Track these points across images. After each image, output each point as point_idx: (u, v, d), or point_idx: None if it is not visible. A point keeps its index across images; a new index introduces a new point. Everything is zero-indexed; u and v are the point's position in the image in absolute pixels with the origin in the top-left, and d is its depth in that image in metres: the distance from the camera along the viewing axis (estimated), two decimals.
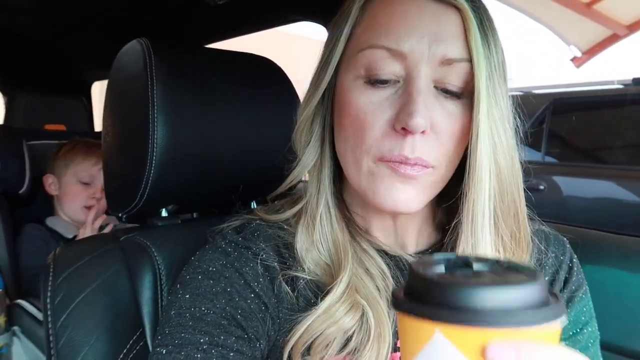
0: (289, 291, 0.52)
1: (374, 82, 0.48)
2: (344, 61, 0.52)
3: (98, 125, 2.16)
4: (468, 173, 0.48)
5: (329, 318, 0.48)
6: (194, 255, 0.55)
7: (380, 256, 0.55)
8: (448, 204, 0.55)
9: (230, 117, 0.73)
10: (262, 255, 0.53)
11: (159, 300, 0.64)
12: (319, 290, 0.52)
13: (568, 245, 0.60)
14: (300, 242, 0.54)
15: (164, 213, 0.77)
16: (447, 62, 0.47)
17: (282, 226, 0.57)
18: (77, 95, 2.10)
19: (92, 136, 1.75)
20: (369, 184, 0.50)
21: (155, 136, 0.65)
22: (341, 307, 0.49)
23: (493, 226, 0.50)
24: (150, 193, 0.68)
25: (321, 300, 0.49)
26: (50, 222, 1.51)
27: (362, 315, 0.49)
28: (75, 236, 1.47)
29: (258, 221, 0.58)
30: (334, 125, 0.54)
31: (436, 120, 0.47)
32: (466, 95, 0.48)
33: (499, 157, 0.48)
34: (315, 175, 0.56)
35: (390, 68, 0.48)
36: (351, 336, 0.49)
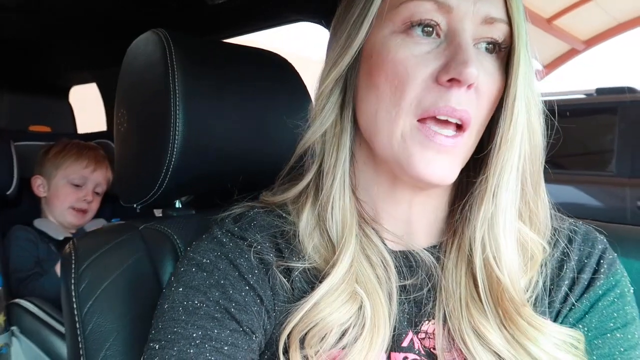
0: (285, 282, 0.50)
1: (415, 34, 0.47)
2: (378, 16, 0.49)
3: (80, 127, 2.12)
4: (500, 135, 0.47)
5: (326, 307, 0.47)
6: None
7: (387, 252, 0.53)
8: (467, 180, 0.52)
9: (245, 109, 0.74)
10: (257, 247, 0.51)
11: None
12: (316, 279, 0.50)
13: (600, 246, 0.54)
14: (305, 221, 0.52)
15: (178, 204, 0.77)
16: (490, 20, 0.47)
17: (280, 213, 0.55)
18: (60, 96, 2.06)
19: (77, 138, 1.72)
20: (402, 151, 0.47)
21: (177, 125, 0.65)
22: (339, 297, 0.47)
23: (520, 190, 0.48)
24: (168, 183, 0.68)
25: (318, 286, 0.48)
26: (39, 223, 1.47)
27: (360, 307, 0.48)
28: (66, 238, 1.44)
29: (256, 209, 0.56)
30: (359, 89, 0.51)
31: (479, 78, 0.46)
32: (502, 55, 0.49)
33: (533, 118, 0.48)
34: (334, 140, 0.53)
35: (435, 20, 0.46)
36: (347, 329, 0.47)
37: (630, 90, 3.08)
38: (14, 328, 1.10)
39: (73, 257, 0.61)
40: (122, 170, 0.74)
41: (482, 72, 0.47)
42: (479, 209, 0.49)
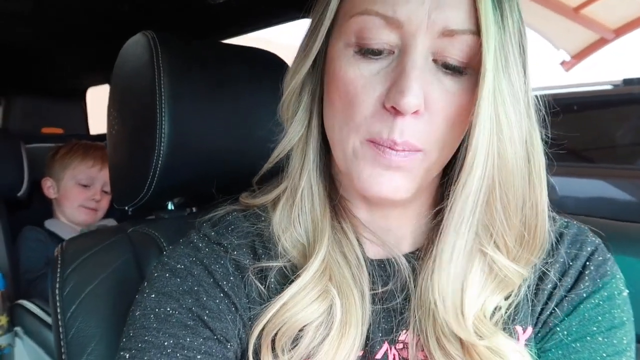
0: (261, 288, 0.49)
1: (365, 52, 0.43)
2: (335, 26, 0.47)
3: (93, 128, 2.15)
4: (462, 157, 0.43)
5: (294, 306, 0.45)
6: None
7: (365, 260, 0.51)
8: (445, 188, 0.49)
9: (236, 109, 0.73)
10: (233, 252, 0.50)
11: None
12: (292, 277, 0.48)
13: (589, 247, 0.51)
14: (278, 221, 0.51)
15: (170, 206, 0.77)
16: (449, 33, 0.41)
17: (259, 215, 0.54)
18: (72, 99, 2.09)
19: (89, 139, 1.74)
20: (353, 167, 0.46)
21: (163, 127, 0.65)
22: (310, 292, 0.46)
23: (482, 225, 0.45)
24: (157, 185, 0.68)
25: (289, 286, 0.47)
26: (50, 224, 1.49)
27: (331, 306, 0.46)
28: None
29: (235, 213, 0.55)
30: (324, 97, 0.49)
31: (432, 99, 0.42)
32: (470, 71, 0.43)
33: (505, 143, 0.42)
34: (300, 148, 0.52)
35: (384, 37, 0.42)
36: (318, 329, 0.46)
37: None
38: (17, 329, 1.12)
39: (59, 261, 0.61)
40: (114, 173, 0.75)
41: (438, 92, 0.43)
42: (440, 239, 0.46)
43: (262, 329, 0.46)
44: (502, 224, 0.45)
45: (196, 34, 1.50)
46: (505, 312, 0.48)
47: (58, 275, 0.59)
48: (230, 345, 0.46)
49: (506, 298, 0.48)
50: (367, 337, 0.48)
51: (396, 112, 0.42)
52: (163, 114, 0.65)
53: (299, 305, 0.45)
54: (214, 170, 0.73)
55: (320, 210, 0.51)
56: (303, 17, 1.22)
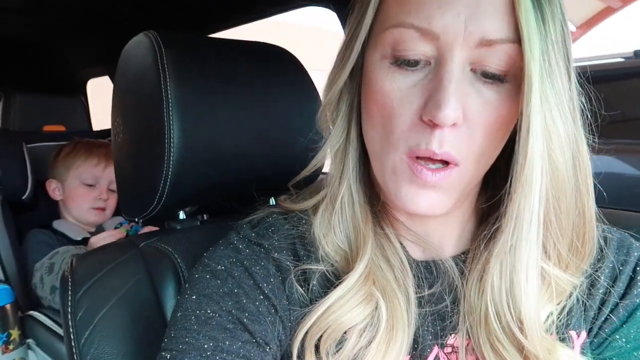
0: (302, 291, 0.49)
1: (401, 63, 0.43)
2: (371, 37, 0.47)
3: (95, 125, 2.11)
4: (515, 171, 0.42)
5: (339, 309, 0.45)
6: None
7: (410, 262, 0.51)
8: (492, 201, 0.49)
9: (247, 110, 0.69)
10: (274, 254, 0.50)
11: None
12: (333, 284, 0.48)
13: (636, 253, 0.51)
14: (319, 226, 0.51)
15: (181, 215, 0.73)
16: (487, 43, 0.40)
17: (301, 218, 0.54)
18: (72, 94, 2.04)
19: (92, 136, 1.70)
20: (390, 183, 0.46)
21: (172, 134, 0.61)
22: (354, 296, 0.46)
23: (542, 236, 0.44)
24: (168, 196, 0.64)
25: (333, 290, 0.47)
26: (57, 224, 1.46)
27: (376, 308, 0.46)
28: (84, 238, 1.43)
29: (275, 215, 0.55)
30: (362, 107, 0.49)
31: (470, 110, 0.42)
32: (510, 79, 0.42)
33: (556, 152, 0.42)
34: (339, 158, 0.52)
35: (420, 49, 0.42)
36: (362, 331, 0.46)
37: None
38: (29, 341, 1.10)
39: (70, 282, 0.58)
40: (122, 183, 0.71)
41: (477, 103, 0.42)
42: (496, 260, 0.46)
43: (306, 332, 0.46)
44: (556, 234, 0.45)
45: (200, 25, 1.44)
46: (558, 318, 0.48)
47: (70, 298, 0.56)
48: (269, 348, 0.46)
49: (558, 303, 0.48)
50: (415, 341, 0.48)
51: (434, 124, 0.41)
52: (171, 120, 0.61)
53: (344, 308, 0.46)
54: (226, 177, 0.69)
55: (361, 216, 0.51)
56: (309, 4, 1.17)
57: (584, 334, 0.49)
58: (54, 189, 1.48)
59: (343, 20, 1.08)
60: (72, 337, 0.55)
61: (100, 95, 2.16)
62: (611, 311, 0.49)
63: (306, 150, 0.76)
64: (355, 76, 0.50)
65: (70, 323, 0.55)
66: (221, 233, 0.69)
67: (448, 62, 0.41)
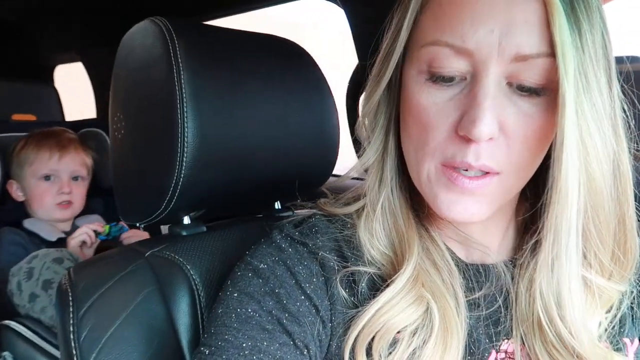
0: (346, 292, 0.49)
1: (437, 79, 0.44)
2: (408, 52, 0.48)
3: (68, 114, 1.99)
4: (551, 184, 0.42)
5: (390, 310, 0.46)
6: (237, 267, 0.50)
7: (458, 264, 0.51)
8: (533, 210, 0.50)
9: (262, 107, 0.64)
10: (318, 253, 0.50)
11: (200, 328, 0.55)
12: (380, 286, 0.49)
13: None
14: (363, 232, 0.51)
15: (186, 220, 0.67)
16: (522, 58, 0.40)
17: (345, 222, 0.53)
18: (38, 80, 1.92)
19: (65, 126, 1.59)
20: (428, 191, 0.47)
21: (186, 133, 0.55)
22: (404, 298, 0.46)
23: (582, 248, 0.44)
24: (178, 200, 0.58)
25: (382, 293, 0.47)
26: (29, 223, 1.36)
27: (427, 309, 0.46)
28: (60, 239, 1.34)
29: (318, 216, 0.54)
30: (400, 118, 0.50)
31: (507, 122, 0.42)
32: (548, 92, 0.42)
33: (592, 165, 0.42)
34: (377, 167, 0.53)
35: (455, 66, 0.42)
36: (415, 331, 0.46)
37: None
38: (5, 354, 1.01)
39: (70, 298, 0.51)
40: (121, 184, 0.64)
41: (514, 116, 0.42)
42: (541, 271, 0.46)
43: (357, 335, 0.46)
44: (597, 244, 0.45)
45: (194, 11, 1.36)
46: (610, 326, 0.49)
47: (71, 316, 0.50)
48: (307, 351, 0.46)
49: (608, 311, 0.49)
50: (471, 344, 0.48)
51: (469, 139, 0.42)
52: (185, 116, 0.55)
53: (395, 309, 0.46)
54: (240, 178, 0.64)
55: (403, 222, 0.52)
56: None
57: (637, 340, 0.51)
58: (15, 189, 1.37)
59: (351, 17, 1.03)
60: (75, 359, 0.49)
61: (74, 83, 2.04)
62: None
63: (317, 155, 0.72)
64: (392, 88, 0.51)
65: (73, 344, 0.49)
66: (232, 240, 0.65)
67: (483, 77, 0.41)
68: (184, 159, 0.56)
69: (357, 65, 1.04)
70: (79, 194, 1.42)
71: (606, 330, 0.49)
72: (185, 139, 0.55)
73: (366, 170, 0.55)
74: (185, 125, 0.55)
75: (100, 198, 1.56)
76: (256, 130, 0.63)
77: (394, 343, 0.46)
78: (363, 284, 0.49)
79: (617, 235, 0.47)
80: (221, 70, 0.60)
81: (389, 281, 0.48)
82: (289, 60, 0.70)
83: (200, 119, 0.56)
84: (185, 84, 0.55)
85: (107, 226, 1.29)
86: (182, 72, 0.55)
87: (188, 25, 0.60)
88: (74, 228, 1.40)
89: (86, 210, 1.48)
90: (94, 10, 1.58)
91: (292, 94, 0.68)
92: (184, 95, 0.55)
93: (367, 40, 1.02)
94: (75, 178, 1.41)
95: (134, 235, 1.35)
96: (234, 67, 0.62)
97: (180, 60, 0.56)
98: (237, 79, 0.61)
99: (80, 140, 1.48)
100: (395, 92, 0.51)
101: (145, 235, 1.41)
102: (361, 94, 1.12)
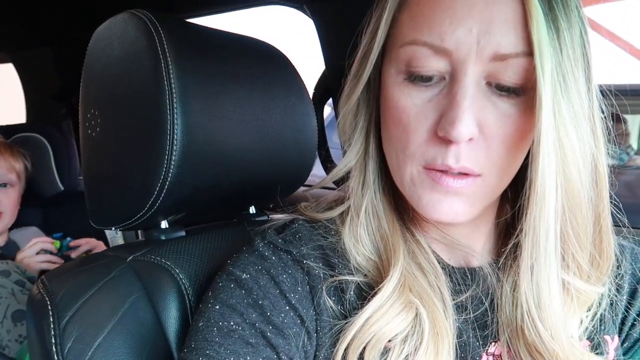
0: (333, 301, 0.47)
1: (415, 79, 0.43)
2: (387, 52, 0.47)
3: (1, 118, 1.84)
4: (528, 186, 0.42)
5: (379, 320, 0.45)
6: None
7: (443, 267, 0.51)
8: (512, 212, 0.50)
9: (245, 108, 0.62)
10: (303, 261, 0.48)
11: None
12: (368, 294, 0.47)
13: None
14: (348, 238, 0.50)
15: (163, 224, 0.64)
16: (501, 57, 0.40)
17: (329, 228, 0.52)
18: None
19: None
20: (412, 194, 0.46)
21: (175, 132, 0.53)
22: (393, 305, 0.45)
23: (560, 250, 0.44)
24: (162, 202, 0.55)
25: (369, 301, 0.46)
26: None
27: (416, 315, 0.46)
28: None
29: (301, 222, 0.53)
30: (380, 120, 0.49)
31: (487, 123, 0.41)
32: (527, 92, 0.41)
33: (570, 166, 0.41)
34: (358, 169, 0.52)
35: (434, 65, 0.42)
36: (406, 338, 0.45)
37: None
38: None
39: (50, 308, 0.47)
40: (94, 187, 0.60)
41: (493, 116, 0.42)
42: (523, 274, 0.45)
43: (347, 346, 0.45)
44: (574, 246, 0.45)
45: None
46: (591, 323, 0.49)
47: (52, 328, 0.46)
48: None
49: (588, 310, 0.49)
50: (462, 348, 0.48)
51: (449, 140, 0.41)
52: (175, 112, 0.53)
53: (385, 318, 0.45)
54: (224, 180, 0.62)
55: (388, 226, 0.51)
56: (279, 3, 1.12)
57: (616, 337, 0.52)
58: None
59: (318, 24, 1.04)
60: None
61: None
62: (638, 315, 0.52)
63: (295, 159, 0.72)
64: (372, 89, 0.50)
65: (56, 357, 0.45)
66: (218, 245, 0.62)
67: (461, 77, 0.41)
68: (172, 157, 0.53)
69: (324, 71, 1.05)
70: (9, 203, 1.30)
71: (587, 328, 0.49)
72: (175, 136, 0.53)
73: (348, 174, 0.53)
74: (175, 122, 0.53)
75: (39, 208, 1.44)
76: (244, 129, 0.61)
77: (386, 352, 0.45)
78: (351, 293, 0.48)
79: (594, 237, 0.47)
80: (207, 69, 0.58)
81: (376, 289, 0.46)
82: (270, 65, 0.69)
83: (188, 117, 0.54)
84: (174, 80, 0.53)
85: (57, 242, 1.19)
86: (170, 67, 0.53)
87: (172, 20, 0.58)
88: (11, 242, 1.29)
89: (22, 222, 1.37)
90: (27, 9, 1.48)
91: (272, 96, 0.67)
92: (174, 91, 0.53)
93: (334, 44, 1.03)
94: (4, 185, 1.29)
95: (87, 244, 1.26)
96: (218, 67, 0.60)
97: (168, 55, 0.53)
98: (221, 79, 0.60)
99: (10, 145, 1.36)
100: (375, 92, 0.50)
101: (100, 243, 1.32)
102: (327, 99, 1.13)
